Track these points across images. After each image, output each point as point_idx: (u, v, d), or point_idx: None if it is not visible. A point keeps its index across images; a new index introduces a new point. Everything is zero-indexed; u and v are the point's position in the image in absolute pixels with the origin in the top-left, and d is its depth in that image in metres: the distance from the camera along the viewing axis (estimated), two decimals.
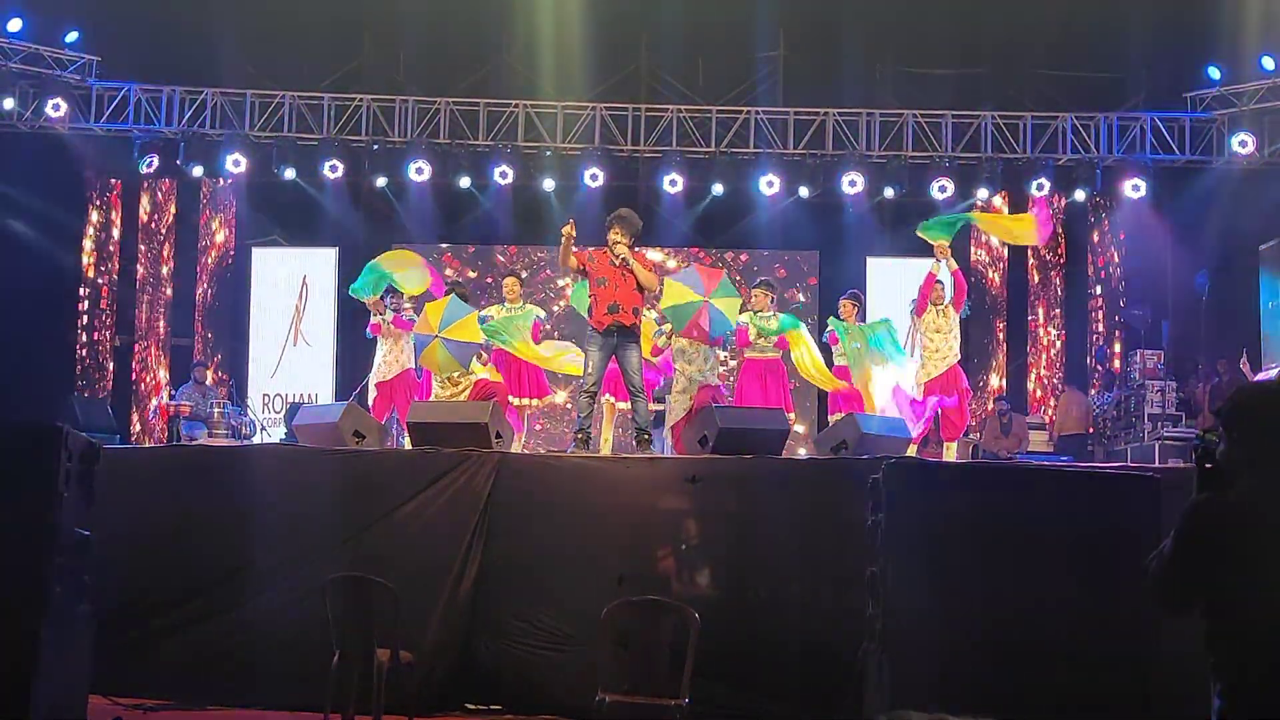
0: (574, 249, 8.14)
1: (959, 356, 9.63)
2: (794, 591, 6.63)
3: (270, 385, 14.49)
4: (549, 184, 13.92)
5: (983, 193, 13.94)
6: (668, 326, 9.41)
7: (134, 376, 14.56)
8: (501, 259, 14.86)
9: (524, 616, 6.75)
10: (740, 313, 9.32)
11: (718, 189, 13.98)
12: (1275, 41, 12.64)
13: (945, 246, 9.50)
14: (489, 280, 14.40)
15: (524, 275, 11.67)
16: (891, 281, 13.72)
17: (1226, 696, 3.10)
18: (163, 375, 14.53)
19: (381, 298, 10.12)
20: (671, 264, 14.45)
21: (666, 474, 7.08)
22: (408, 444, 9.37)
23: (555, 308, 14.27)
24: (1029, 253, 14.64)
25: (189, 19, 13.75)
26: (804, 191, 13.94)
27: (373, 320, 10.17)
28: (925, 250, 9.94)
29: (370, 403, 10.02)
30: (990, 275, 14.56)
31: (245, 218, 14.87)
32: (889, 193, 13.88)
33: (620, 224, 8.17)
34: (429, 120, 13.87)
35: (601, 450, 9.30)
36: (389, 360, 10.07)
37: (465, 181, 13.94)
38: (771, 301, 9.59)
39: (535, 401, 9.82)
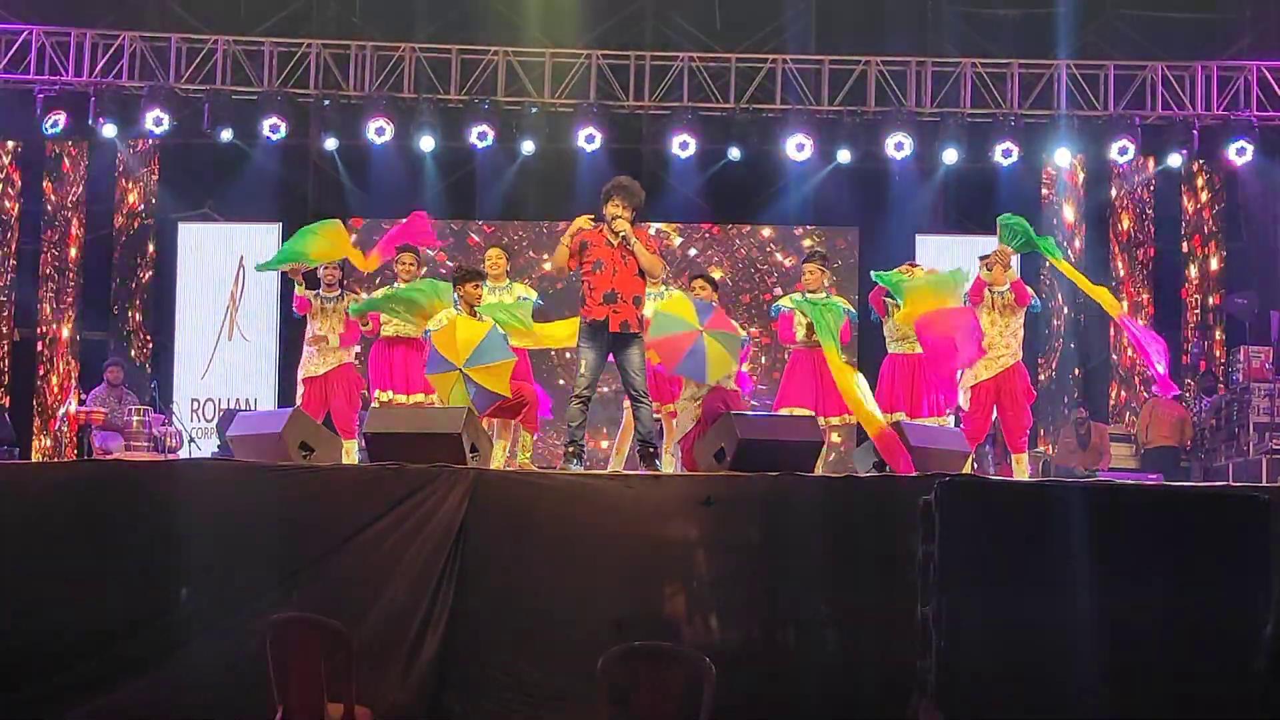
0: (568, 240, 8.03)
1: (1018, 356, 9.49)
2: (829, 638, 6.62)
3: (200, 388, 14.52)
4: (530, 146, 13.91)
5: (1063, 154, 13.89)
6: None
7: (37, 378, 14.57)
8: (477, 238, 14.84)
9: (504, 668, 6.74)
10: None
11: (736, 153, 13.98)
12: None
13: (1009, 252, 9.31)
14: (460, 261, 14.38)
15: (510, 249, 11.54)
16: (945, 263, 13.68)
17: None
18: (70, 376, 14.52)
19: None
20: (678, 240, 14.46)
21: (676, 495, 7.06)
22: (347, 458, 9.35)
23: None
24: (1110, 230, 14.64)
25: None
26: (841, 156, 13.94)
27: (298, 293, 9.74)
28: (986, 227, 9.87)
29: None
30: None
31: (170, 187, 14.87)
32: (946, 157, 13.85)
33: (620, 195, 8.11)
34: (391, 70, 13.88)
35: (611, 466, 9.25)
36: (322, 349, 9.78)
37: (433, 143, 13.94)
38: (826, 280, 9.52)
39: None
